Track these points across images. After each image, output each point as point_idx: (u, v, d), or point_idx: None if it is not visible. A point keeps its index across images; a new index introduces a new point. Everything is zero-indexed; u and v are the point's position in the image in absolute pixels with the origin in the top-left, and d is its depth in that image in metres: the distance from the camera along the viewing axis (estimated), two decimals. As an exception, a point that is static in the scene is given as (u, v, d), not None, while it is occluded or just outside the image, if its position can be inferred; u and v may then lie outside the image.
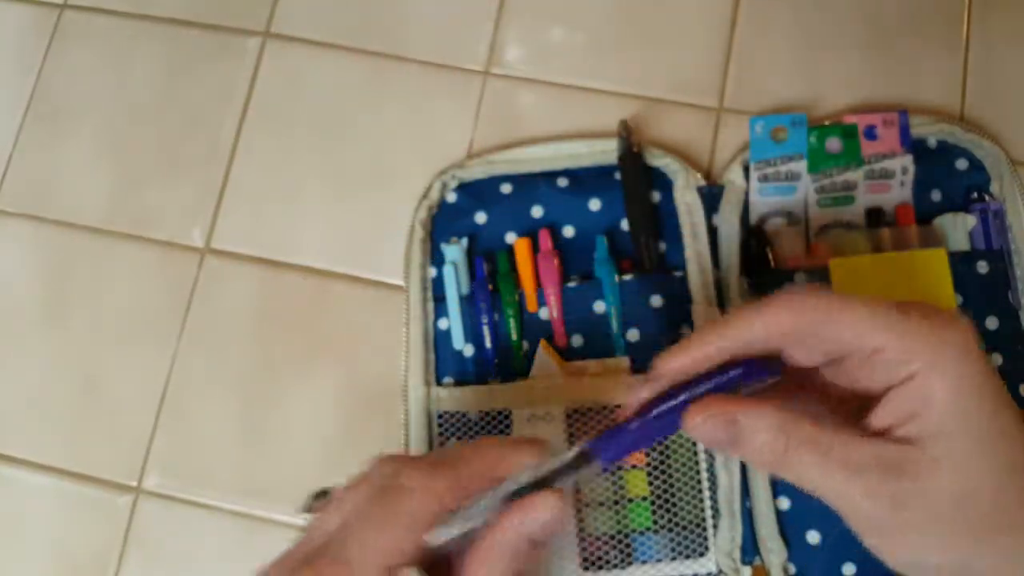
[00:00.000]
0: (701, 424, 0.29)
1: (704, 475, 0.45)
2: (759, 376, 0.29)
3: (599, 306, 0.47)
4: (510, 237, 0.49)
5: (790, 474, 0.28)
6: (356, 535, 0.30)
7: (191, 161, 0.53)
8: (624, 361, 0.46)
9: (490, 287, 0.48)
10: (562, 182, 0.50)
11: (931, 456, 0.26)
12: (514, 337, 0.47)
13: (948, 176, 0.49)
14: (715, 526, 0.45)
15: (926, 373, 0.27)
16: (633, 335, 0.46)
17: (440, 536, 0.29)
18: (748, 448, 0.28)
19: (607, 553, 0.44)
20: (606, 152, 0.49)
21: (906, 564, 0.28)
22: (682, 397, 0.29)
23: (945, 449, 0.26)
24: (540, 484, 0.30)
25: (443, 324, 0.48)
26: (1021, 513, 0.26)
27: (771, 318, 0.28)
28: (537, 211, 0.49)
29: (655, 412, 0.30)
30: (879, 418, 0.28)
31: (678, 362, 0.29)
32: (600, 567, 0.44)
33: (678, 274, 0.47)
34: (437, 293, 0.49)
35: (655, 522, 0.44)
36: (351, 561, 0.29)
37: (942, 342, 0.26)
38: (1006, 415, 0.27)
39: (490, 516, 0.30)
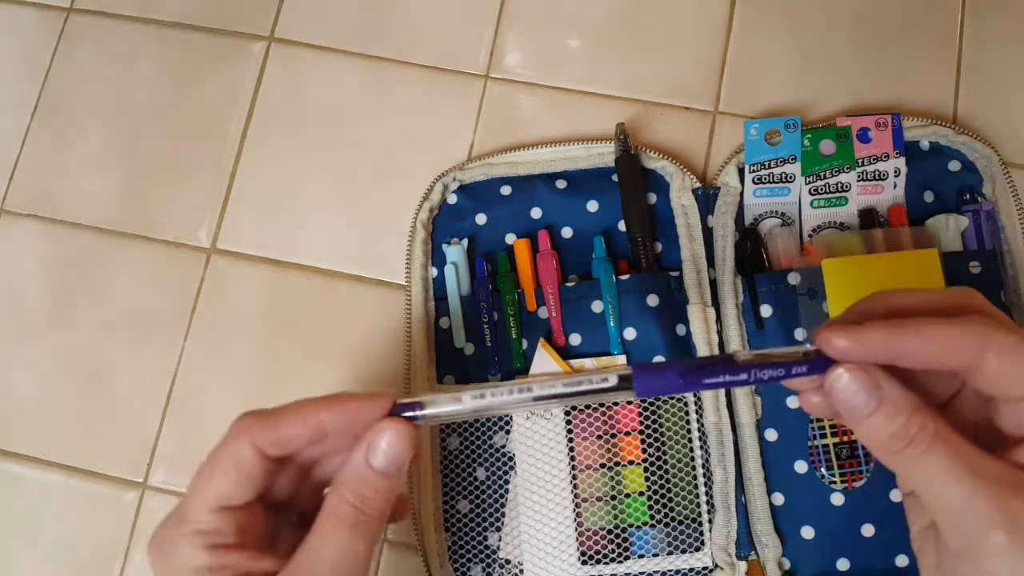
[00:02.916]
0: (845, 375, 0.28)
1: (700, 471, 0.46)
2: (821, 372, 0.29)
3: (597, 305, 0.47)
4: (510, 238, 0.50)
5: (906, 464, 0.27)
6: (191, 486, 0.31)
7: (197, 163, 0.54)
8: (621, 359, 0.47)
9: (490, 287, 0.48)
10: (560, 184, 0.50)
11: None
12: (514, 336, 0.48)
13: (941, 177, 0.49)
14: (711, 521, 0.45)
15: None
16: (630, 334, 0.47)
17: (426, 409, 0.31)
18: (875, 423, 0.27)
19: (604, 547, 0.45)
20: (604, 155, 0.50)
21: None
22: (742, 376, 0.29)
23: None
24: (570, 396, 0.30)
25: (444, 323, 0.49)
26: None
27: (952, 343, 0.27)
28: (536, 212, 0.50)
29: (707, 380, 0.29)
30: (1021, 454, 0.27)
31: (843, 343, 0.28)
32: (597, 561, 0.45)
33: (674, 274, 0.48)
34: (438, 293, 0.49)
35: (651, 517, 0.45)
36: (184, 508, 0.31)
37: None
38: None
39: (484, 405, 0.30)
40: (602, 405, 0.46)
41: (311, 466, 0.34)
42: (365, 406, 0.31)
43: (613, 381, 0.30)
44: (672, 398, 0.46)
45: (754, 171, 0.49)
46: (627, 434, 0.46)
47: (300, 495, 0.34)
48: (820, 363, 0.29)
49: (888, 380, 0.28)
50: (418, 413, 0.31)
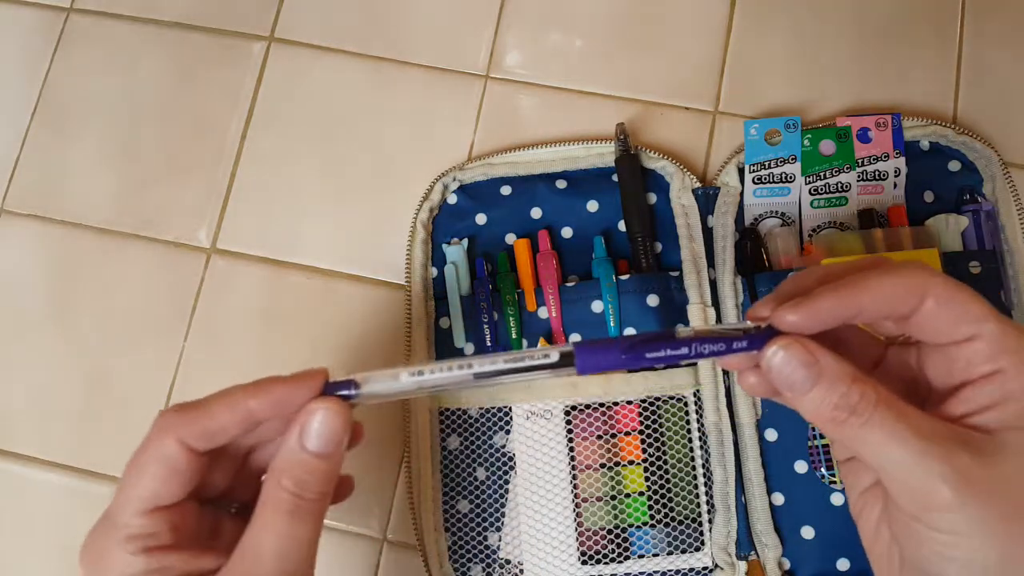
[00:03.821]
0: (781, 352, 0.28)
1: (700, 471, 0.46)
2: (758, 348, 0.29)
3: (597, 305, 0.47)
4: (510, 238, 0.50)
5: (851, 434, 0.27)
6: (118, 488, 0.30)
7: (197, 163, 0.54)
8: (621, 359, 0.47)
9: (490, 287, 0.48)
10: (560, 184, 0.50)
11: (1002, 442, 0.26)
12: (514, 336, 0.48)
13: (941, 177, 0.49)
14: (711, 521, 0.45)
15: (1013, 371, 0.27)
16: (630, 334, 0.47)
17: (364, 389, 0.30)
18: (817, 396, 0.27)
19: (604, 547, 0.45)
20: (604, 155, 0.50)
21: (929, 556, 0.27)
22: (683, 350, 0.29)
23: (1019, 443, 0.26)
24: (512, 372, 0.29)
25: (444, 323, 0.49)
26: None
27: (897, 290, 0.27)
28: (536, 212, 0.50)
29: (648, 355, 0.29)
30: (954, 406, 0.28)
31: (795, 317, 0.28)
32: (597, 561, 0.45)
33: (674, 274, 0.48)
34: (438, 293, 0.49)
35: (651, 517, 0.45)
36: (112, 512, 0.30)
37: None
38: None
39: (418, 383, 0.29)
40: (602, 404, 0.46)
41: (246, 454, 0.33)
42: (295, 388, 0.29)
43: (555, 357, 0.29)
44: (672, 398, 0.46)
45: (754, 171, 0.49)
46: (627, 434, 0.46)
47: (238, 485, 0.33)
48: (760, 339, 0.29)
49: (824, 352, 0.28)
50: (353, 392, 0.30)
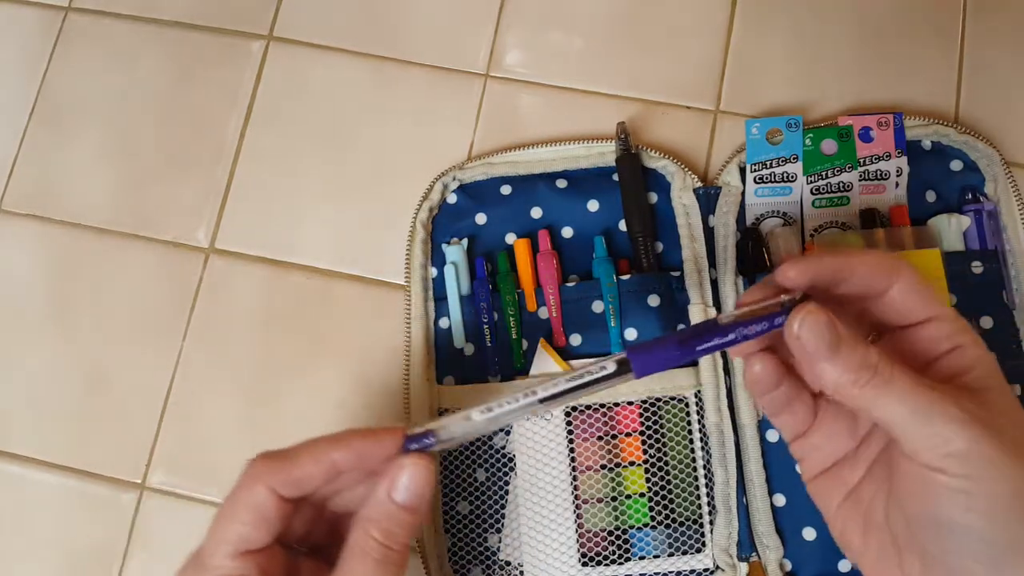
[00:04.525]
0: (809, 317, 0.29)
1: (701, 471, 0.45)
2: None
3: (597, 306, 0.47)
4: (510, 238, 0.50)
5: (873, 394, 0.29)
6: (209, 532, 0.32)
7: (196, 162, 0.54)
8: (622, 360, 0.46)
9: (490, 287, 0.48)
10: (561, 183, 0.50)
11: (985, 396, 0.29)
12: (514, 336, 0.47)
13: (942, 177, 0.49)
14: (712, 522, 0.45)
15: (971, 345, 0.30)
16: (631, 334, 0.47)
17: (433, 437, 0.32)
18: (842, 358, 0.29)
19: (605, 549, 0.45)
20: (604, 154, 0.50)
21: (946, 504, 0.28)
22: (731, 336, 0.30)
23: (994, 396, 0.29)
24: (574, 391, 0.31)
25: (444, 323, 0.49)
26: None
27: (877, 266, 0.31)
28: (536, 212, 0.50)
29: (699, 347, 0.31)
30: (933, 373, 0.30)
31: (794, 272, 0.31)
32: (598, 563, 0.44)
33: (675, 274, 0.48)
34: (438, 293, 0.49)
35: (652, 518, 0.45)
36: (203, 555, 0.32)
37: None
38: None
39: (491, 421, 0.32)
40: (602, 405, 0.46)
41: (324, 501, 0.35)
42: (376, 443, 0.32)
43: (611, 368, 0.31)
44: (673, 398, 0.46)
45: (755, 170, 0.49)
46: (628, 435, 0.46)
47: (314, 529, 0.35)
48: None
49: (839, 321, 0.30)
50: (431, 440, 0.32)
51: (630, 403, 0.46)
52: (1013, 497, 0.28)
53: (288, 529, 0.33)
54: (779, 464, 0.45)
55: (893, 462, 0.31)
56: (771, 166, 0.49)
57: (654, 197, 0.50)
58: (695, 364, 0.46)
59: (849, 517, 0.33)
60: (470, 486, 0.46)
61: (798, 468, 0.36)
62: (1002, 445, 0.28)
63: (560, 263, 0.48)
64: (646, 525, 0.45)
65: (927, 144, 0.49)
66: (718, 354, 0.46)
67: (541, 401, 0.31)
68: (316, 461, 0.32)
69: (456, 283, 0.48)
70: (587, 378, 0.31)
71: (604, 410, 0.46)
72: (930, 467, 0.28)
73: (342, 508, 0.35)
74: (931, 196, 0.49)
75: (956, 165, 0.49)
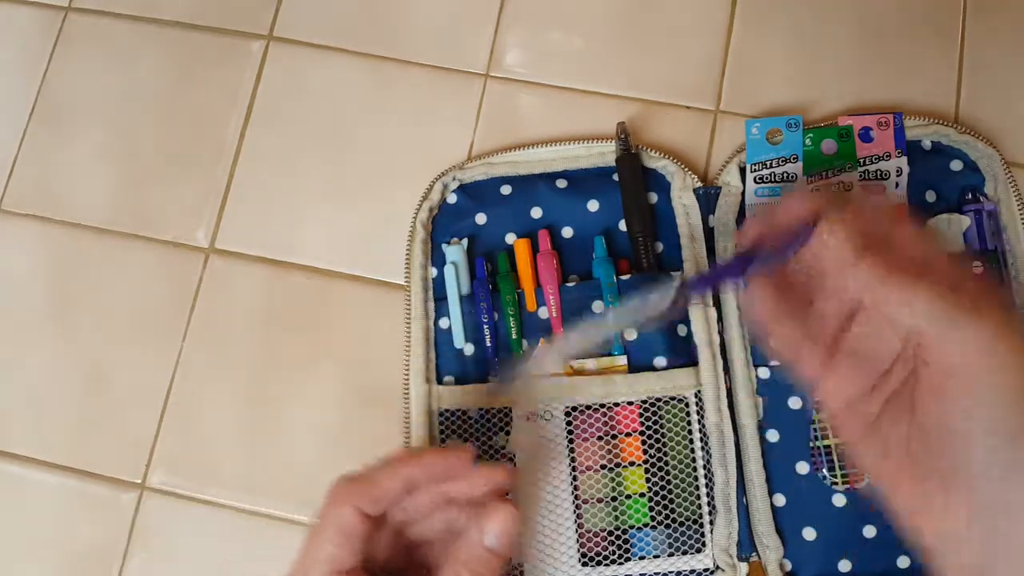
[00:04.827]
0: (836, 227, 0.31)
1: (701, 472, 0.45)
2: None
3: (598, 306, 0.47)
4: (510, 238, 0.50)
5: (898, 294, 0.30)
6: (302, 555, 0.36)
7: (195, 162, 0.54)
8: (622, 360, 0.46)
9: (490, 287, 0.48)
10: (561, 183, 0.50)
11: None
12: (514, 336, 0.47)
13: (943, 177, 0.49)
14: (712, 522, 0.45)
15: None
16: (631, 334, 0.47)
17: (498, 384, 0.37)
18: (869, 260, 0.31)
19: (605, 549, 0.45)
20: (604, 154, 0.50)
21: (964, 405, 0.29)
22: (769, 258, 0.34)
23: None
24: (639, 320, 0.34)
25: (444, 323, 0.49)
26: None
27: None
28: (536, 212, 0.50)
29: (751, 268, 0.34)
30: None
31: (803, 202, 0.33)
32: (598, 563, 0.44)
33: (675, 274, 0.48)
34: (438, 293, 0.49)
35: (652, 518, 0.45)
36: (302, 571, 0.35)
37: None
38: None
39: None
40: (602, 406, 0.46)
41: (404, 528, 0.38)
42: (445, 459, 0.37)
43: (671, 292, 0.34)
44: (673, 399, 0.46)
45: (755, 170, 0.49)
46: (628, 435, 0.46)
47: (394, 556, 0.38)
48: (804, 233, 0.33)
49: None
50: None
51: (630, 403, 0.46)
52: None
53: (371, 554, 0.36)
54: (779, 464, 0.45)
55: (913, 386, 0.31)
56: (771, 166, 0.49)
57: (654, 197, 0.50)
58: (695, 364, 0.46)
59: (872, 447, 0.33)
60: (470, 486, 0.46)
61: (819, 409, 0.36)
62: (1009, 342, 0.29)
63: (560, 263, 0.48)
64: (646, 525, 0.45)
65: (927, 144, 0.49)
66: (718, 355, 0.46)
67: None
68: (392, 478, 0.35)
69: (456, 283, 0.48)
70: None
71: (604, 410, 0.46)
72: (947, 375, 0.29)
73: (419, 536, 0.38)
74: (931, 196, 0.49)
75: (956, 165, 0.49)
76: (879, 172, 0.48)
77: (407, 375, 0.48)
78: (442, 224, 0.50)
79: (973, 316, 0.29)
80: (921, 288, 0.30)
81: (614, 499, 0.45)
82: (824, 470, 0.45)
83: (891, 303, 0.30)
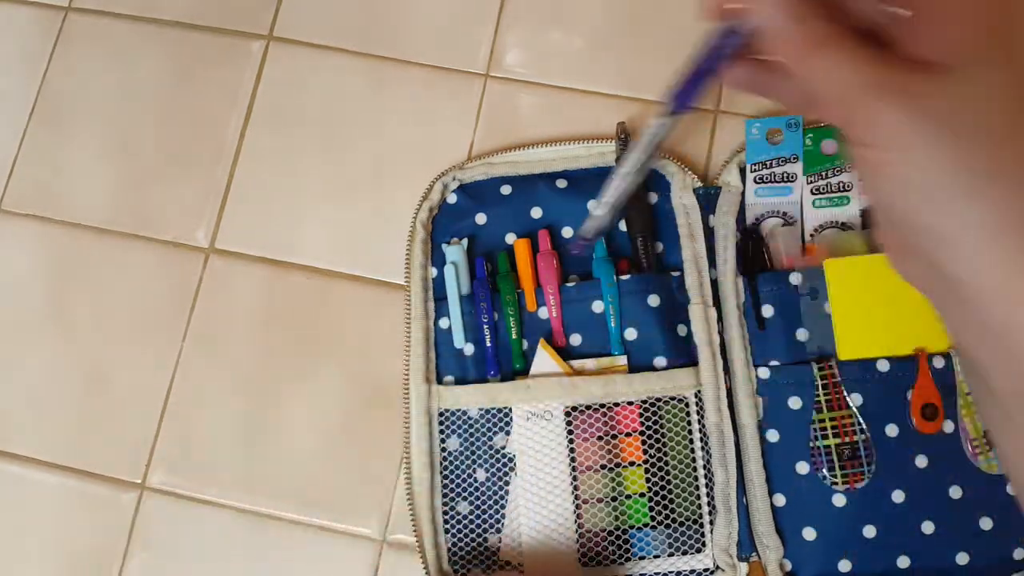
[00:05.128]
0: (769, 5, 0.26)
1: (701, 472, 0.45)
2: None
3: (597, 306, 0.47)
4: (510, 238, 0.50)
5: (857, 108, 0.25)
6: None
7: (195, 162, 0.54)
8: (622, 360, 0.46)
9: (490, 287, 0.48)
10: (561, 183, 0.50)
11: (959, 74, 0.24)
12: (514, 336, 0.47)
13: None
14: (712, 522, 0.45)
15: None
16: (631, 334, 0.47)
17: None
18: (782, 29, 0.26)
19: (605, 549, 0.45)
20: (604, 154, 0.50)
21: (892, 191, 0.25)
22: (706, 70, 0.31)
23: (977, 73, 0.24)
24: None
25: (444, 323, 0.49)
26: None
27: None
28: (536, 212, 0.50)
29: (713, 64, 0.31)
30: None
31: None
32: (598, 563, 0.44)
33: (675, 274, 0.48)
34: (438, 293, 0.49)
35: (652, 518, 0.45)
36: None
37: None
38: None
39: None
40: (602, 406, 0.46)
41: None
42: None
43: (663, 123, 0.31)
44: (673, 399, 0.46)
45: (755, 171, 0.49)
46: (628, 435, 0.46)
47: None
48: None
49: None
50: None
51: (630, 403, 0.46)
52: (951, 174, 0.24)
53: None
54: (779, 464, 0.45)
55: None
56: (771, 166, 0.49)
57: (654, 197, 0.50)
58: (695, 364, 0.46)
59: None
60: (470, 486, 0.46)
61: None
62: (945, 124, 0.24)
63: (560, 263, 0.48)
64: (646, 525, 0.45)
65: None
66: (718, 354, 0.46)
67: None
68: None
69: (456, 283, 0.48)
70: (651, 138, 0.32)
71: (604, 410, 0.46)
72: (866, 148, 0.25)
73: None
74: None
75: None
76: (879, 172, 0.48)
77: (407, 375, 0.48)
78: (442, 224, 0.50)
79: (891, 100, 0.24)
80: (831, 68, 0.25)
81: (614, 499, 0.45)
82: (824, 470, 0.45)
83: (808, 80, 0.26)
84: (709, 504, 0.45)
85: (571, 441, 0.46)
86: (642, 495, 0.45)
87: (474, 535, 0.46)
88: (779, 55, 0.27)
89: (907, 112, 0.24)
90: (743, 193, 0.49)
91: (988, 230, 0.24)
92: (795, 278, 0.47)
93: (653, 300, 0.47)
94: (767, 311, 0.47)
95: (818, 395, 0.45)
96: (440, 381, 0.48)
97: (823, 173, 0.48)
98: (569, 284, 0.48)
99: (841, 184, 0.48)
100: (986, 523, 0.44)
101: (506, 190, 0.50)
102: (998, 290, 0.24)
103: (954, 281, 0.25)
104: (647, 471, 0.45)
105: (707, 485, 0.45)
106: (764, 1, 0.27)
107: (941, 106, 0.24)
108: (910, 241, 0.26)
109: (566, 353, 0.47)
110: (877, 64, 0.25)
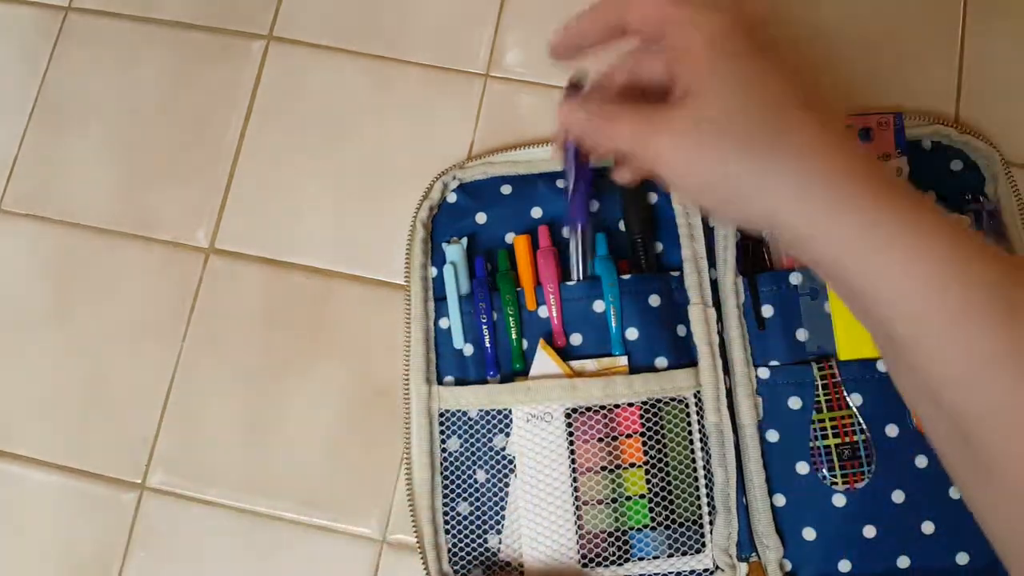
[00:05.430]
0: (577, 115, 0.38)
1: (701, 472, 0.45)
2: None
3: (598, 305, 0.47)
4: (510, 237, 0.50)
5: (647, 149, 0.34)
6: None
7: (195, 162, 0.54)
8: (622, 360, 0.46)
9: (490, 286, 0.48)
10: (561, 183, 0.50)
11: (701, 94, 0.33)
12: (513, 336, 0.47)
13: (943, 177, 0.49)
14: (711, 523, 0.45)
15: (676, 62, 0.34)
16: (631, 334, 0.47)
17: None
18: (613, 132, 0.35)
19: (605, 550, 0.45)
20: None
21: (716, 176, 0.32)
22: (581, 180, 0.44)
23: (710, 93, 0.32)
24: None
25: (444, 323, 0.49)
26: (774, 128, 0.32)
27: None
28: (536, 211, 0.50)
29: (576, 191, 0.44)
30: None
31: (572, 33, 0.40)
32: (598, 564, 0.44)
33: (675, 274, 0.48)
34: (438, 293, 0.49)
35: (652, 519, 0.45)
36: None
37: (707, 23, 0.33)
38: (757, 65, 0.32)
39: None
40: (603, 407, 0.46)
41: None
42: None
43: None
44: (673, 399, 0.46)
45: (755, 171, 0.49)
46: (628, 436, 0.46)
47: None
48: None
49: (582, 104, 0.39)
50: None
51: (630, 404, 0.46)
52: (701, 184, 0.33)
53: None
54: (779, 464, 0.45)
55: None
56: (771, 166, 0.49)
57: (654, 197, 0.50)
58: (695, 364, 0.46)
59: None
60: (470, 487, 0.46)
61: None
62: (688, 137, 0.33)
63: (560, 262, 0.48)
64: (646, 526, 0.45)
65: (927, 144, 0.49)
66: (717, 355, 0.46)
67: None
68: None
69: (455, 283, 0.48)
70: None
71: (604, 412, 0.46)
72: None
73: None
74: (931, 196, 0.49)
75: (956, 165, 0.49)
76: (879, 172, 0.48)
77: (407, 375, 0.48)
78: (442, 223, 0.50)
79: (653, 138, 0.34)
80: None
81: (614, 500, 0.45)
82: (824, 470, 0.45)
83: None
84: (709, 504, 0.45)
85: (571, 443, 0.46)
86: (642, 496, 0.45)
87: (474, 536, 0.46)
88: (595, 141, 0.37)
89: (668, 136, 0.33)
90: (743, 193, 0.49)
91: (758, 178, 0.32)
92: (795, 278, 0.47)
93: (653, 300, 0.47)
94: (767, 311, 0.47)
95: (818, 395, 0.45)
96: (440, 381, 0.48)
97: (823, 173, 0.48)
98: (569, 283, 0.48)
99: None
100: (986, 523, 0.44)
101: (506, 189, 0.50)
102: (785, 210, 0.32)
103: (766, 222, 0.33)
104: (647, 472, 0.45)
105: (707, 486, 0.45)
106: (569, 120, 0.38)
107: (687, 125, 0.32)
108: (739, 211, 0.34)
109: (566, 353, 0.47)
110: (648, 115, 0.34)
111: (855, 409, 0.45)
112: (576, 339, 0.47)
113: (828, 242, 0.31)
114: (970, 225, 0.47)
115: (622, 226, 0.49)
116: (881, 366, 0.45)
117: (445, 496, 0.46)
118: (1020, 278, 0.30)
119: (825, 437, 0.45)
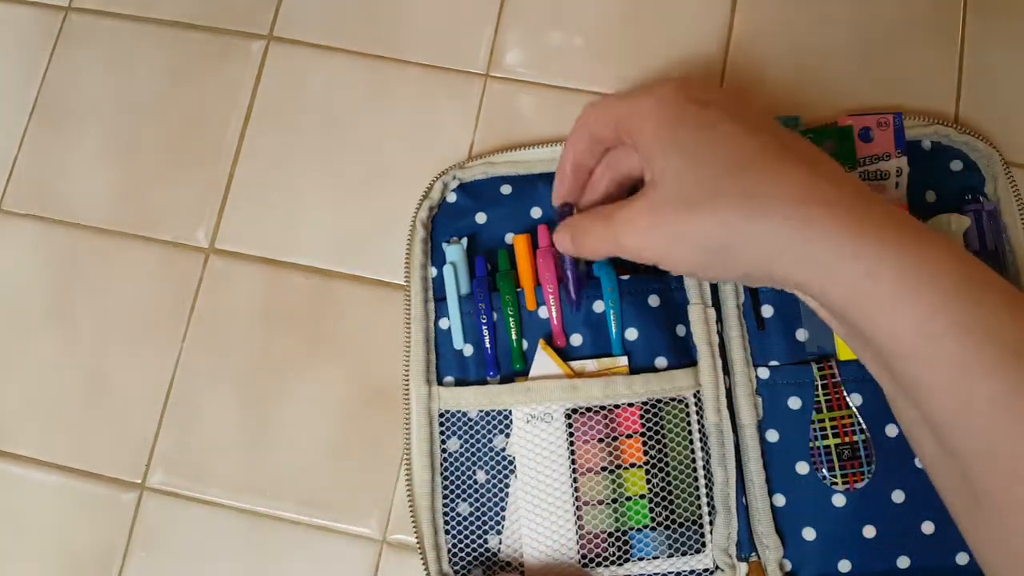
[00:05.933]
0: (563, 237, 0.42)
1: (701, 472, 0.45)
2: None
3: (598, 305, 0.47)
4: (510, 237, 0.50)
5: (621, 249, 0.37)
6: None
7: (195, 162, 0.54)
8: (622, 360, 0.46)
9: (490, 286, 0.48)
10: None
11: (654, 172, 0.36)
12: (513, 337, 0.47)
13: (943, 177, 0.49)
14: (711, 523, 0.45)
15: (640, 156, 0.37)
16: (632, 334, 0.47)
17: None
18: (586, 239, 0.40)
19: (605, 550, 0.45)
20: (605, 154, 0.50)
21: (686, 246, 0.35)
22: (570, 270, 0.47)
23: (660, 168, 0.35)
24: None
25: (444, 324, 0.49)
26: (717, 186, 0.34)
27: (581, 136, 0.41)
28: (537, 212, 0.50)
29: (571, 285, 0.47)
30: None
31: (565, 188, 0.44)
32: (598, 564, 0.44)
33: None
34: (438, 293, 0.49)
35: (653, 519, 0.45)
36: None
37: (646, 106, 0.36)
38: (704, 120, 0.35)
39: None
40: (603, 407, 0.46)
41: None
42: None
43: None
44: (674, 399, 0.46)
45: (755, 171, 0.49)
46: (628, 437, 0.46)
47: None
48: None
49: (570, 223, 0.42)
50: None
51: (631, 405, 0.46)
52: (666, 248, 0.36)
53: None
54: (779, 464, 0.45)
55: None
56: (771, 166, 0.49)
57: (654, 197, 0.49)
58: (694, 364, 0.46)
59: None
60: (471, 487, 0.46)
61: None
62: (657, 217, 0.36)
63: (560, 262, 0.48)
64: (646, 527, 0.45)
65: (927, 144, 0.49)
66: (717, 354, 0.46)
67: None
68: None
69: (455, 283, 0.48)
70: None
71: (604, 412, 0.46)
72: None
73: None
74: (931, 196, 0.49)
75: (956, 165, 0.49)
76: (879, 172, 0.48)
77: (407, 376, 0.48)
78: (442, 223, 0.50)
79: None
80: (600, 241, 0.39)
81: (615, 501, 0.45)
82: (824, 470, 0.45)
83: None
84: (709, 505, 0.45)
85: (572, 443, 0.46)
86: (642, 497, 0.45)
87: (474, 536, 0.46)
88: (582, 256, 0.42)
89: (627, 227, 0.36)
90: (743, 193, 0.49)
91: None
92: (795, 278, 0.46)
93: (653, 300, 0.47)
94: (767, 311, 0.47)
95: (818, 395, 0.45)
96: (440, 382, 0.48)
97: (823, 173, 0.48)
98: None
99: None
100: (986, 523, 0.44)
101: (506, 189, 0.50)
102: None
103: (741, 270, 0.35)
104: (648, 472, 0.45)
105: (707, 485, 0.45)
106: (558, 244, 0.43)
107: (642, 209, 0.36)
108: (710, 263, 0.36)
109: (566, 353, 0.47)
110: (610, 215, 0.37)
111: (855, 409, 0.45)
112: (576, 339, 0.47)
113: (825, 284, 0.32)
114: (970, 226, 0.47)
115: (622, 226, 0.49)
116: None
117: (445, 496, 0.46)
118: (1020, 317, 0.30)
119: (825, 437, 0.45)
